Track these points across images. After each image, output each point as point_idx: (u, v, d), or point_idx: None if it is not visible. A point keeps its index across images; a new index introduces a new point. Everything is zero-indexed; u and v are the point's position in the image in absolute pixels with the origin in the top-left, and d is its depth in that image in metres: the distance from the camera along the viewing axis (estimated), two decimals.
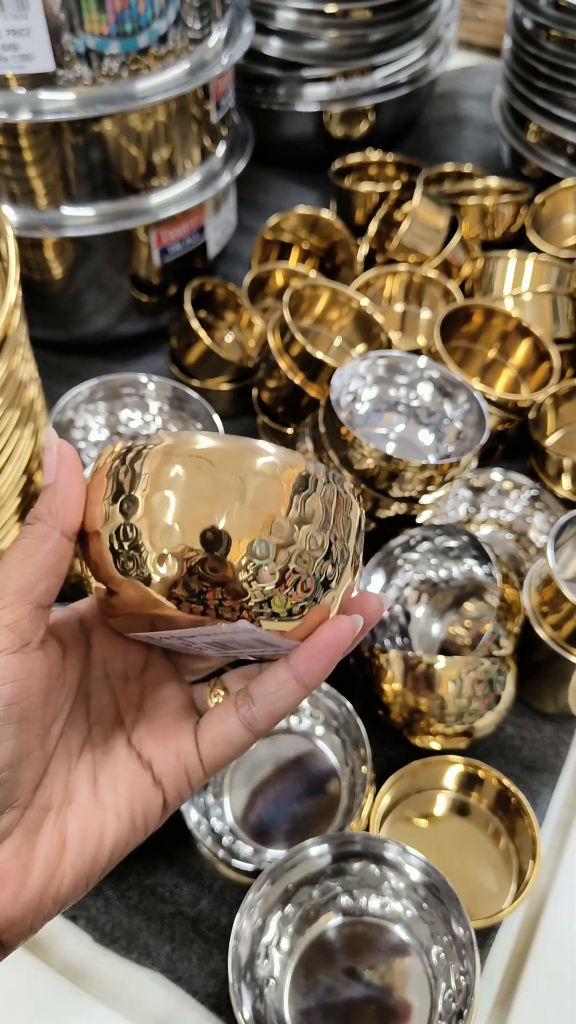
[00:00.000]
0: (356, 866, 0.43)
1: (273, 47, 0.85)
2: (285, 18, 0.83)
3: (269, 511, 0.26)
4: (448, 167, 0.83)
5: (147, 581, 0.26)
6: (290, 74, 0.86)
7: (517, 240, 0.78)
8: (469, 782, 0.51)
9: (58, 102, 0.60)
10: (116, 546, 0.26)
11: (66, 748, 0.29)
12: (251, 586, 0.26)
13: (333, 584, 0.27)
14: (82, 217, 0.66)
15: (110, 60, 0.61)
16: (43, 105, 0.60)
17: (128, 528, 0.26)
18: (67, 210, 0.66)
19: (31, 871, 0.26)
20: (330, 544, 0.27)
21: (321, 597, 0.27)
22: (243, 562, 0.25)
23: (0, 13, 0.56)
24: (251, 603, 0.26)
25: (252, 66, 0.86)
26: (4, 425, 0.47)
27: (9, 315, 0.45)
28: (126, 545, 0.26)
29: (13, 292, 0.47)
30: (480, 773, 0.50)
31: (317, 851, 0.43)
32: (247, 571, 0.25)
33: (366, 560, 0.55)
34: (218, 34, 0.68)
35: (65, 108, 0.60)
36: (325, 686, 0.49)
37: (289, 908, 0.43)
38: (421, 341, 0.70)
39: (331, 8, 0.81)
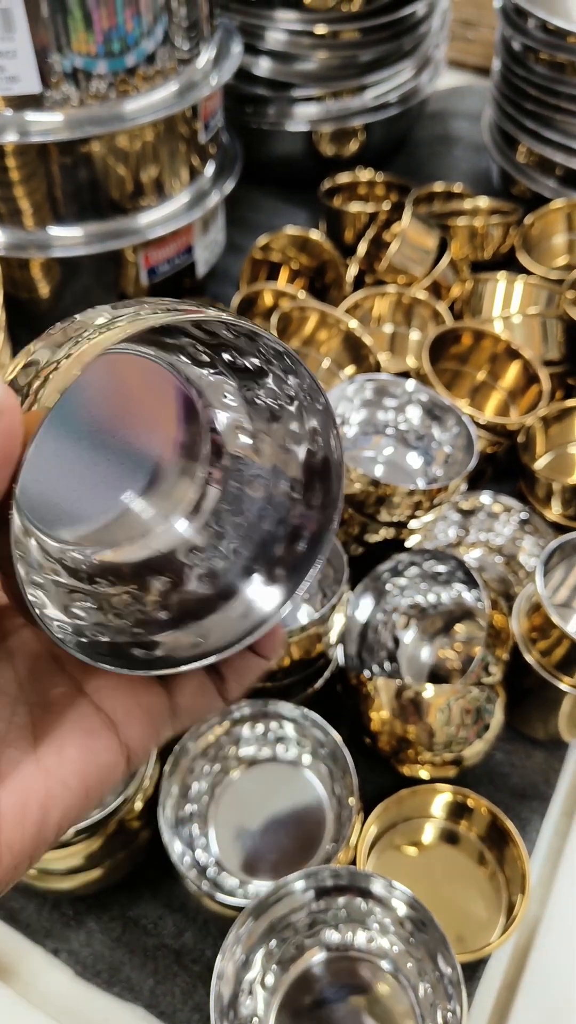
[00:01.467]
0: (341, 900, 0.43)
1: (263, 67, 0.85)
2: (274, 39, 0.83)
3: None
4: (438, 187, 0.83)
5: None
6: (280, 94, 0.86)
7: (507, 261, 0.78)
8: (458, 810, 0.50)
9: (45, 124, 0.60)
10: None
11: None
12: None
13: None
14: (69, 237, 0.66)
15: (97, 80, 0.60)
16: (30, 127, 0.60)
17: None
18: (54, 230, 0.66)
19: None
20: None
21: None
22: None
23: None
24: None
25: (242, 86, 0.86)
26: None
27: None
28: None
29: None
30: (469, 802, 0.49)
31: (302, 885, 0.42)
32: None
33: (353, 584, 0.54)
34: (207, 54, 0.68)
35: (52, 130, 0.60)
36: (312, 714, 0.49)
37: (273, 944, 0.42)
38: (410, 362, 0.70)
39: (320, 29, 0.81)
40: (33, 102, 0.59)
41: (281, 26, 0.82)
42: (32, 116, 0.60)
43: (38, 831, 0.23)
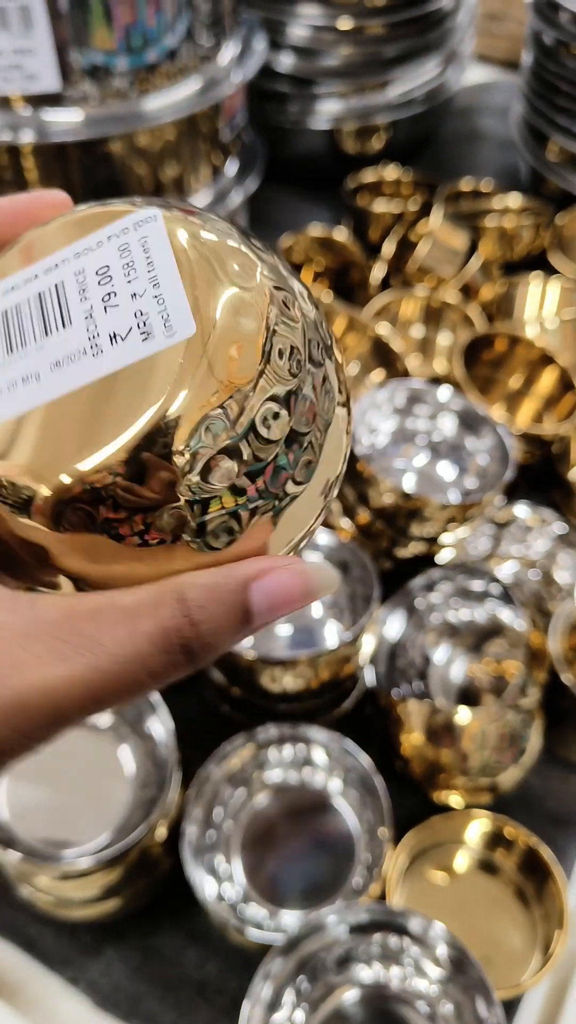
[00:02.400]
0: (376, 937, 0.41)
1: (285, 63, 0.83)
2: (297, 34, 0.81)
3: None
4: (465, 185, 0.81)
5: (20, 505, 0.18)
6: (302, 90, 0.84)
7: (538, 261, 0.75)
8: (494, 839, 0.48)
9: (65, 123, 0.58)
10: None
11: None
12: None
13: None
14: None
15: (118, 77, 0.59)
16: (49, 126, 0.58)
17: None
18: None
19: None
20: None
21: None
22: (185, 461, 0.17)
23: (5, 32, 0.54)
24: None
25: (263, 82, 0.84)
26: None
27: None
28: None
29: None
30: (506, 831, 0.47)
31: (335, 920, 0.40)
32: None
33: (384, 599, 0.52)
34: (230, 51, 0.66)
35: (72, 129, 0.58)
36: (342, 738, 0.47)
37: (303, 981, 0.41)
38: (439, 367, 0.67)
39: (345, 24, 0.79)
40: (52, 100, 0.58)
41: (304, 21, 0.80)
42: (51, 115, 0.58)
43: None
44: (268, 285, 0.19)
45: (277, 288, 0.19)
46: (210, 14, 0.62)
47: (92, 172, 0.62)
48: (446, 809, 0.49)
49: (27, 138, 0.58)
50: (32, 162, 0.61)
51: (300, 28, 0.81)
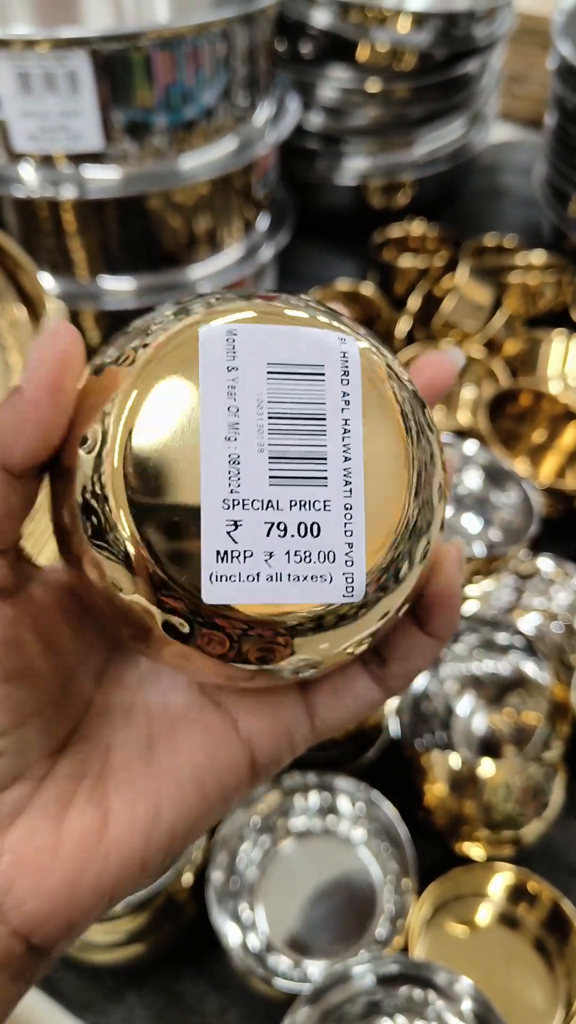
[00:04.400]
0: (402, 989, 0.41)
1: (314, 122, 0.86)
2: (327, 95, 0.84)
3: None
4: (489, 241, 0.83)
5: (127, 562, 0.19)
6: (331, 148, 0.87)
7: (561, 317, 0.77)
8: (517, 893, 0.48)
9: (104, 180, 0.61)
10: (87, 500, 0.19)
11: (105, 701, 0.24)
12: None
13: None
14: (121, 291, 0.66)
15: (157, 135, 0.61)
16: (89, 183, 0.61)
17: (98, 482, 0.19)
18: (106, 282, 0.66)
19: (58, 855, 0.21)
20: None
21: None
22: None
23: (53, 95, 0.57)
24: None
25: (293, 139, 0.87)
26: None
27: None
28: (96, 505, 0.19)
29: None
30: (530, 885, 0.47)
31: (361, 971, 0.40)
32: None
33: None
34: (265, 111, 0.69)
35: (111, 187, 0.61)
36: (367, 787, 0.47)
37: None
38: (463, 419, 0.69)
39: (373, 87, 0.82)
40: (93, 158, 0.60)
41: (334, 83, 0.83)
42: (91, 172, 0.61)
43: (148, 833, 0.22)
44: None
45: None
46: (246, 75, 0.65)
47: (128, 226, 0.64)
48: (468, 860, 0.49)
49: (68, 194, 0.60)
50: (71, 215, 0.63)
51: (330, 90, 0.84)
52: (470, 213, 0.97)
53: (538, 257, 0.80)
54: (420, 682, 0.53)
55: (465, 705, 0.54)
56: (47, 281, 0.66)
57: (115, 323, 0.68)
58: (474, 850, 0.50)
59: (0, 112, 0.58)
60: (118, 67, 0.57)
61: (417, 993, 0.41)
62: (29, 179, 0.61)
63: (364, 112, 0.84)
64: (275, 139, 0.68)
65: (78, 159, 0.60)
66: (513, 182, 1.01)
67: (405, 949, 0.44)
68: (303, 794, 0.48)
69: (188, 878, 0.45)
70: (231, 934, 0.43)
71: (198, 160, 0.63)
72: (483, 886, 0.49)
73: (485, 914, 0.49)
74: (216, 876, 0.44)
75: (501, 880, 0.48)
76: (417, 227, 0.85)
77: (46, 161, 0.60)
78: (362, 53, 0.81)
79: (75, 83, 0.57)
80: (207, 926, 0.44)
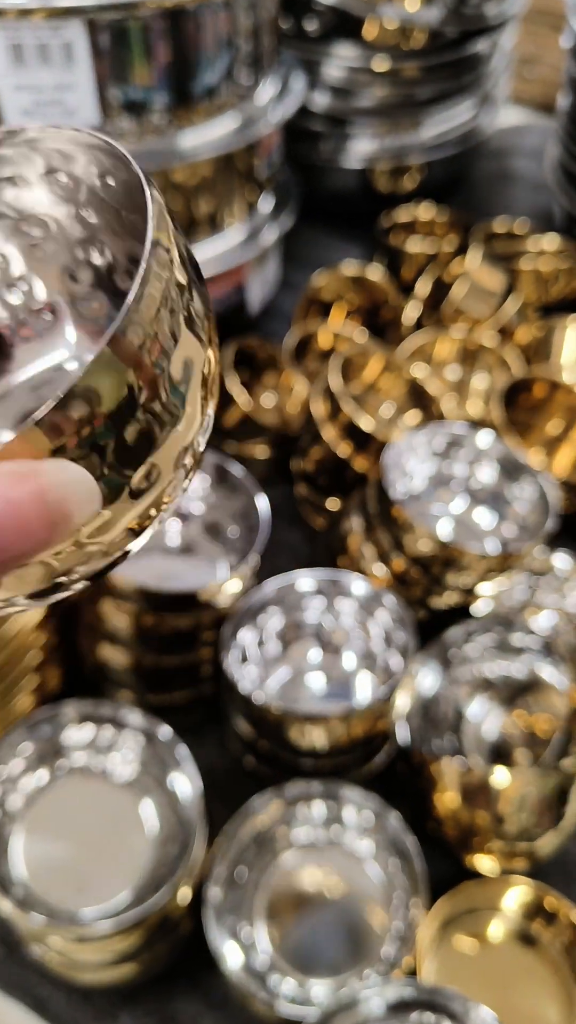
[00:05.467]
0: (412, 1016, 0.38)
1: (320, 103, 0.83)
2: (333, 74, 0.81)
3: None
4: (500, 226, 0.80)
5: None
6: (336, 129, 0.84)
7: (574, 304, 0.74)
8: (533, 909, 0.45)
9: None
10: None
11: None
12: None
13: None
14: None
15: (156, 113, 0.58)
16: None
17: None
18: None
19: None
20: None
21: None
22: None
23: (47, 67, 0.54)
24: None
25: (298, 120, 0.84)
26: None
27: None
28: None
29: None
30: (547, 902, 0.44)
31: (369, 995, 0.38)
32: None
33: (418, 650, 0.50)
34: (269, 89, 0.66)
35: None
36: (375, 797, 0.45)
37: None
38: (473, 409, 0.66)
39: (380, 66, 0.79)
40: None
41: (340, 61, 0.80)
42: None
43: None
44: None
45: None
46: (250, 53, 0.62)
47: None
48: (480, 873, 0.47)
49: None
50: None
51: (336, 68, 0.81)
52: (479, 198, 0.94)
53: (550, 242, 0.77)
54: (429, 684, 0.50)
55: (477, 709, 0.52)
56: None
57: None
58: (486, 863, 0.47)
59: None
60: (116, 39, 0.54)
61: (429, 1019, 0.38)
62: None
63: (371, 92, 0.81)
64: (279, 117, 0.65)
65: None
66: (524, 166, 0.98)
67: (415, 968, 0.42)
68: (306, 804, 0.46)
69: (186, 893, 0.42)
70: (230, 956, 0.40)
71: (198, 138, 0.61)
72: (496, 901, 0.46)
73: (498, 930, 0.46)
74: (214, 893, 0.42)
75: (515, 895, 0.45)
76: (425, 211, 0.82)
77: None
78: (369, 30, 0.78)
79: (70, 55, 0.54)
80: (203, 943, 0.42)
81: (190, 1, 0.55)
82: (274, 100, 0.67)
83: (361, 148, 0.84)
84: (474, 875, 0.46)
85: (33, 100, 0.56)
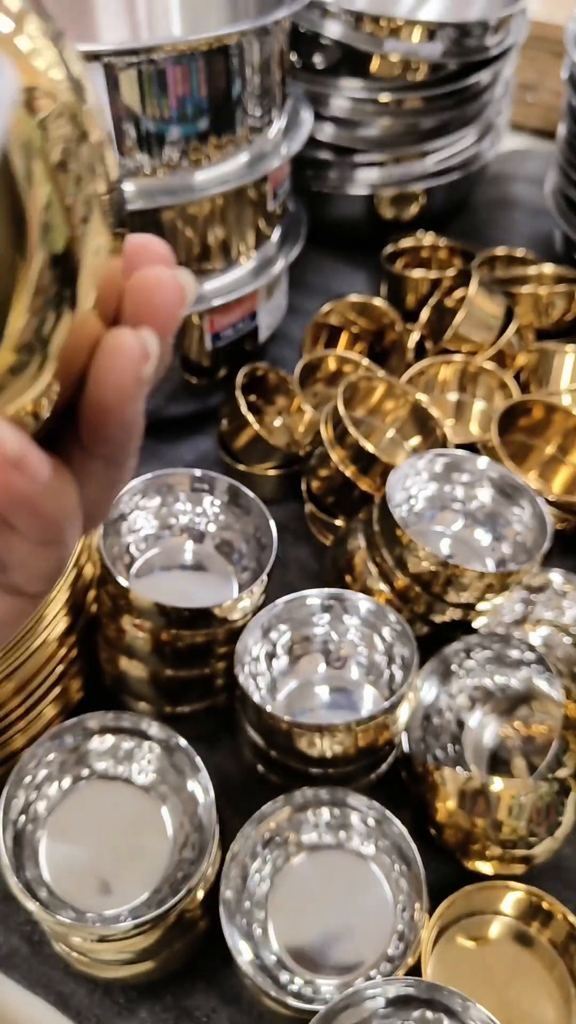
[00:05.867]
0: (414, 1013, 0.41)
1: (326, 132, 0.86)
2: (339, 106, 0.84)
3: None
4: (500, 252, 0.83)
5: None
6: (342, 158, 0.87)
7: (572, 329, 0.77)
8: (531, 912, 0.48)
9: None
10: None
11: None
12: None
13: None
14: None
15: (170, 148, 0.61)
16: None
17: None
18: None
19: None
20: None
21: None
22: None
23: None
24: None
25: (304, 150, 0.87)
26: None
27: None
28: None
29: None
30: (544, 905, 0.47)
31: (373, 993, 0.40)
32: None
33: (420, 664, 0.53)
34: (278, 123, 0.69)
35: (127, 199, 0.61)
36: (378, 806, 0.47)
37: None
38: (475, 431, 0.69)
39: (385, 97, 0.82)
40: None
41: (346, 93, 0.83)
42: None
43: None
44: None
45: None
46: (260, 87, 0.65)
47: None
48: (479, 876, 0.49)
49: None
50: None
51: (342, 100, 0.84)
52: (481, 223, 0.97)
53: (550, 269, 0.80)
54: (431, 695, 0.53)
55: (476, 720, 0.54)
56: None
57: None
58: (485, 868, 0.49)
59: None
60: (132, 81, 0.57)
61: (430, 1016, 0.41)
62: None
63: (376, 122, 0.84)
64: (289, 151, 0.68)
65: None
66: (524, 191, 1.01)
67: (417, 966, 0.44)
68: (315, 810, 0.48)
69: (201, 894, 0.45)
70: (244, 953, 0.43)
71: (212, 173, 0.63)
72: (495, 903, 0.49)
73: (497, 931, 0.49)
74: (228, 894, 0.44)
75: (514, 899, 0.48)
76: (428, 239, 0.85)
77: None
78: (374, 64, 0.81)
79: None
80: (218, 941, 0.44)
81: (203, 44, 0.58)
82: (284, 134, 0.70)
83: (366, 176, 0.87)
84: (474, 878, 0.48)
85: None
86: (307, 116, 0.73)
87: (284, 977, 0.45)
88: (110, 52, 0.55)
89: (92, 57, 0.55)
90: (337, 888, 0.48)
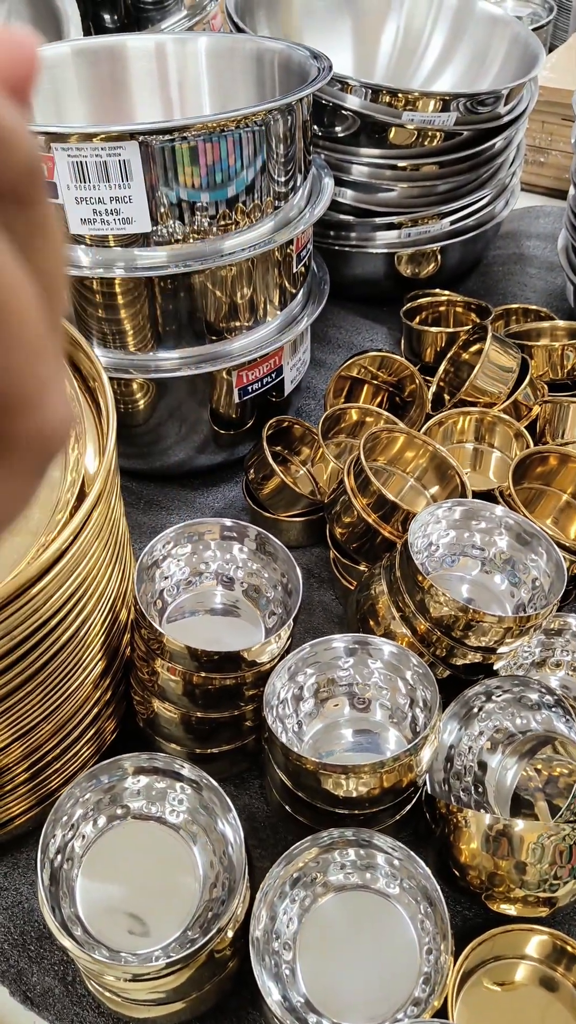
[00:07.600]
0: None
1: (347, 196, 0.90)
2: (359, 171, 0.88)
3: None
4: (514, 306, 0.86)
5: None
6: (362, 220, 0.91)
7: None
8: (556, 955, 0.48)
9: (152, 259, 0.65)
10: None
11: None
12: None
13: None
14: (168, 361, 0.70)
15: (200, 215, 0.65)
16: (137, 262, 0.64)
17: None
18: (154, 354, 0.70)
19: None
20: None
21: None
22: None
23: (105, 182, 0.61)
24: None
25: (327, 213, 0.91)
26: (97, 566, 0.49)
27: (108, 470, 0.48)
28: None
29: (111, 445, 0.50)
30: (569, 948, 0.47)
31: None
32: None
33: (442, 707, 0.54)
34: (302, 189, 0.73)
35: (158, 265, 0.64)
36: (403, 847, 0.48)
37: None
38: (492, 478, 0.71)
39: (402, 163, 0.86)
40: (142, 239, 0.64)
41: (365, 160, 0.87)
42: (139, 252, 0.65)
43: None
44: None
45: None
46: (284, 158, 0.69)
47: (174, 299, 0.68)
48: (503, 917, 0.50)
49: (118, 273, 0.64)
50: (120, 292, 0.67)
51: (361, 166, 0.88)
52: (494, 280, 1.01)
53: (563, 323, 0.83)
54: (453, 737, 0.54)
55: (498, 761, 0.55)
56: (98, 353, 0.70)
57: (160, 389, 0.71)
58: (509, 910, 0.50)
59: (56, 197, 0.62)
60: (166, 156, 0.61)
61: None
62: (82, 259, 0.65)
63: (394, 186, 0.88)
64: (312, 217, 0.72)
65: (127, 242, 0.64)
66: (537, 248, 1.04)
67: (443, 1009, 0.45)
68: (341, 851, 0.49)
69: (231, 935, 0.46)
70: (273, 993, 0.44)
71: (240, 239, 0.67)
72: (520, 947, 0.49)
73: (522, 976, 0.49)
74: (258, 934, 0.45)
75: (539, 943, 0.49)
76: (445, 295, 0.88)
77: (99, 242, 0.64)
78: (392, 133, 0.85)
79: (126, 171, 0.61)
80: (246, 982, 0.45)
81: (232, 122, 0.62)
82: (307, 199, 0.74)
83: (385, 236, 0.91)
84: (497, 920, 0.49)
85: (92, 210, 0.63)
86: (329, 182, 0.77)
87: (312, 1019, 0.45)
88: (146, 131, 0.59)
89: (130, 136, 0.59)
90: (363, 928, 0.49)
